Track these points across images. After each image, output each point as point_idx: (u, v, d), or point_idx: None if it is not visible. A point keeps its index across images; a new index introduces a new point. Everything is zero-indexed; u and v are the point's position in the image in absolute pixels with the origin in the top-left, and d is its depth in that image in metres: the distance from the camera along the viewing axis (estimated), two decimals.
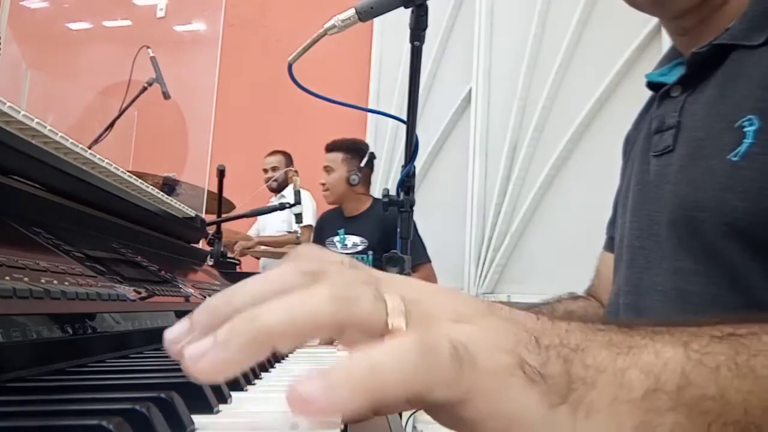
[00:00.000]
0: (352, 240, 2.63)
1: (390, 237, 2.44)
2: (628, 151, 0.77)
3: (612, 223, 0.82)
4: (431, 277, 2.53)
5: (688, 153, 0.59)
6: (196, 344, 0.26)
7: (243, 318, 0.27)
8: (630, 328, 0.30)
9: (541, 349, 0.27)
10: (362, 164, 2.58)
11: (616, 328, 0.29)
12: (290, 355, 0.68)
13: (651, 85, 0.73)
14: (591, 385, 0.27)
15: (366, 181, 2.66)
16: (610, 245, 0.82)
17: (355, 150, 2.63)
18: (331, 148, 2.63)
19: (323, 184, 2.62)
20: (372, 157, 2.68)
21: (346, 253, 2.60)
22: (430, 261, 2.53)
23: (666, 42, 2.58)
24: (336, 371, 0.25)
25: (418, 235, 2.38)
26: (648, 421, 0.27)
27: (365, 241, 2.59)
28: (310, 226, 2.99)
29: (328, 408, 0.25)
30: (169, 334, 0.29)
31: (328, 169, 2.60)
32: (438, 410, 0.28)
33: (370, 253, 2.57)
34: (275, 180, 3.31)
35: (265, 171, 3.43)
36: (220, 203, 1.80)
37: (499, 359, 0.27)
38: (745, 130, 0.53)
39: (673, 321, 0.31)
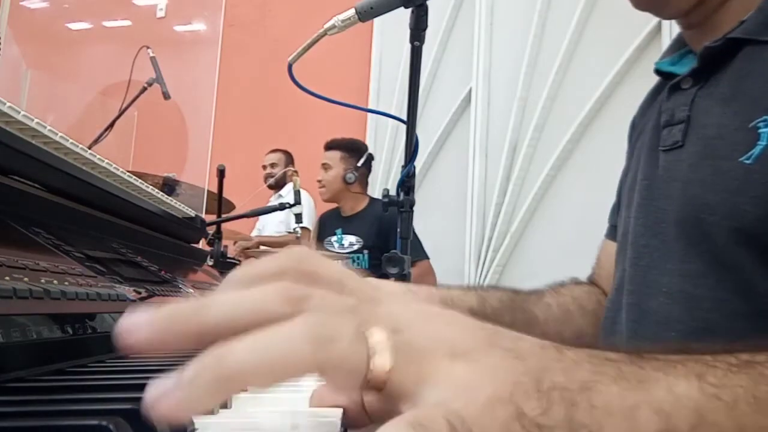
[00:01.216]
0: (349, 240, 2.64)
1: (386, 236, 2.44)
2: (633, 139, 0.75)
3: (615, 211, 0.80)
4: (429, 274, 2.54)
5: (698, 151, 0.58)
6: (161, 383, 0.24)
7: (211, 356, 0.24)
8: (641, 358, 0.27)
9: (542, 394, 0.25)
10: (359, 164, 2.60)
11: (626, 358, 0.27)
12: None
13: (659, 73, 0.71)
14: (598, 430, 0.25)
15: (363, 181, 2.67)
16: (612, 233, 0.80)
17: (353, 149, 2.64)
18: (329, 146, 2.65)
19: (319, 181, 2.65)
20: (370, 158, 2.69)
21: (343, 253, 2.61)
22: (428, 258, 2.54)
23: (666, 43, 2.58)
24: None
25: (415, 233, 2.39)
26: None
27: (360, 240, 2.60)
28: (308, 229, 2.99)
29: None
30: (124, 324, 0.26)
31: (325, 167, 2.62)
32: None
33: (366, 252, 2.58)
34: (273, 177, 3.31)
35: (264, 168, 3.43)
36: (220, 203, 1.80)
37: (495, 416, 0.25)
38: (759, 131, 0.51)
39: (686, 347, 0.28)
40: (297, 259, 0.29)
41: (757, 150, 0.51)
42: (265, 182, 3.35)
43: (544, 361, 0.26)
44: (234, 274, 0.29)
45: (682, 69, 0.65)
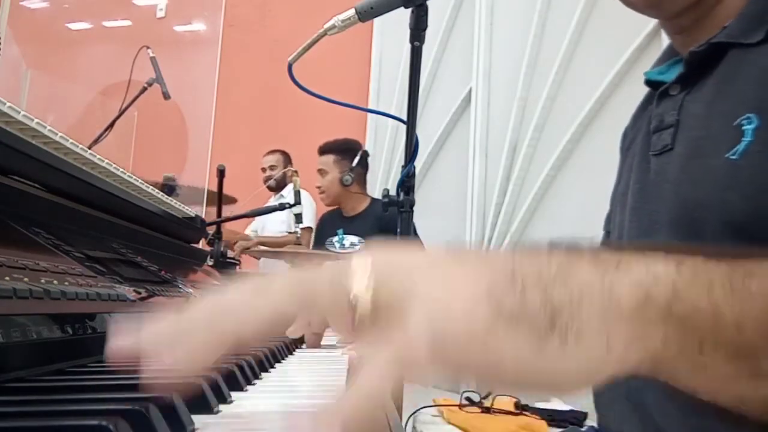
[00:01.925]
0: (350, 240, 2.64)
1: (388, 236, 2.44)
2: (625, 148, 0.77)
3: (609, 219, 0.82)
4: None
5: (687, 152, 0.59)
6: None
7: (208, 309, 0.28)
8: (619, 249, 0.29)
9: (517, 284, 0.27)
10: (354, 164, 2.59)
11: (603, 249, 0.29)
12: (289, 356, 0.68)
13: (649, 83, 0.73)
14: (577, 306, 0.26)
15: (361, 181, 2.66)
16: (606, 241, 0.81)
17: (345, 151, 2.63)
18: (322, 150, 2.65)
19: (318, 187, 2.65)
20: (364, 155, 2.68)
21: (345, 253, 2.61)
22: None
23: (666, 42, 2.58)
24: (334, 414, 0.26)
25: (416, 232, 2.38)
26: (638, 335, 0.26)
27: (362, 240, 2.59)
28: (310, 228, 2.99)
29: None
30: (113, 349, 0.29)
31: (321, 172, 2.63)
32: None
33: None
34: (273, 179, 3.31)
35: (264, 170, 3.43)
36: (219, 203, 1.80)
37: (476, 316, 0.26)
38: (744, 128, 0.53)
39: (667, 246, 0.30)
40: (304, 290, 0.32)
41: (742, 146, 0.52)
42: (265, 184, 3.35)
43: (514, 259, 0.28)
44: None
45: (671, 76, 0.66)
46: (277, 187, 3.33)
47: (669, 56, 0.72)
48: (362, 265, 0.28)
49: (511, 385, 0.27)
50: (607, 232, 0.81)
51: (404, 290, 0.27)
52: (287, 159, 3.45)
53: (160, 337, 0.28)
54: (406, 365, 0.25)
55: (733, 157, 0.53)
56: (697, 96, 0.61)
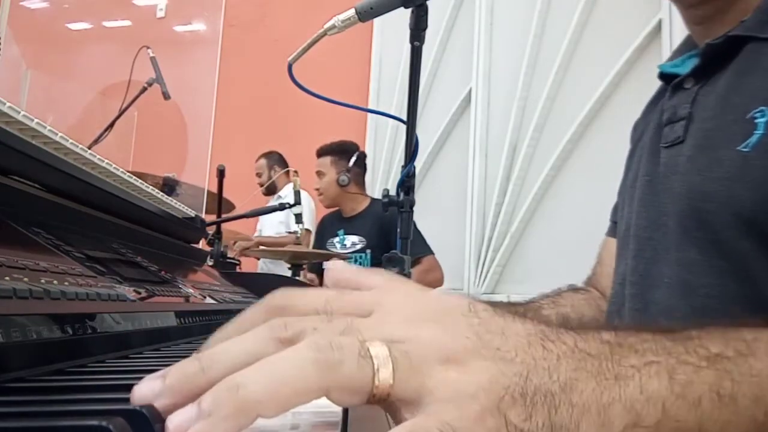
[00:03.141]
0: (351, 240, 2.64)
1: (389, 236, 2.44)
2: (635, 139, 0.76)
3: (616, 209, 0.80)
4: (434, 268, 2.53)
5: (697, 144, 0.59)
6: (180, 414, 0.26)
7: (226, 387, 0.26)
8: (621, 350, 0.30)
9: (527, 400, 0.28)
10: (351, 164, 2.61)
11: (608, 352, 0.30)
12: None
13: (663, 76, 0.72)
14: (575, 429, 0.28)
15: (359, 181, 2.68)
16: (613, 230, 0.81)
17: (342, 152, 2.65)
18: (320, 153, 2.68)
19: (317, 189, 2.67)
20: (361, 156, 2.70)
21: (345, 253, 2.61)
22: (432, 252, 2.53)
23: (666, 43, 2.58)
24: None
25: (417, 229, 2.38)
26: None
27: (363, 240, 2.60)
28: (309, 231, 2.99)
29: None
30: (138, 392, 0.28)
31: (319, 174, 2.65)
32: None
33: (369, 251, 2.58)
34: (264, 186, 3.31)
35: (257, 175, 3.45)
36: (219, 203, 1.80)
37: (485, 425, 0.27)
38: (756, 121, 0.52)
39: (664, 330, 0.31)
40: (276, 301, 0.32)
41: (754, 138, 0.52)
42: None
43: (528, 360, 0.29)
44: (221, 330, 0.32)
45: (685, 69, 0.65)
46: (269, 192, 3.33)
47: (685, 49, 0.71)
48: (382, 352, 0.28)
49: None
50: (614, 223, 0.80)
51: (422, 382, 0.28)
52: (274, 160, 3.44)
53: (175, 392, 0.28)
54: None
55: (745, 149, 0.52)
56: (712, 89, 0.60)
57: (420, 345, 0.29)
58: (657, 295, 0.61)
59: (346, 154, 2.64)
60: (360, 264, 2.60)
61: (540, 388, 0.28)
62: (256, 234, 3.40)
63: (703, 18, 0.65)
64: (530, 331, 0.30)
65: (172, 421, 0.26)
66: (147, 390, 0.28)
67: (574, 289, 0.83)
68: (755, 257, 0.52)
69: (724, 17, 0.62)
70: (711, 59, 0.61)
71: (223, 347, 0.29)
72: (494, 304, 0.32)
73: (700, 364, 0.29)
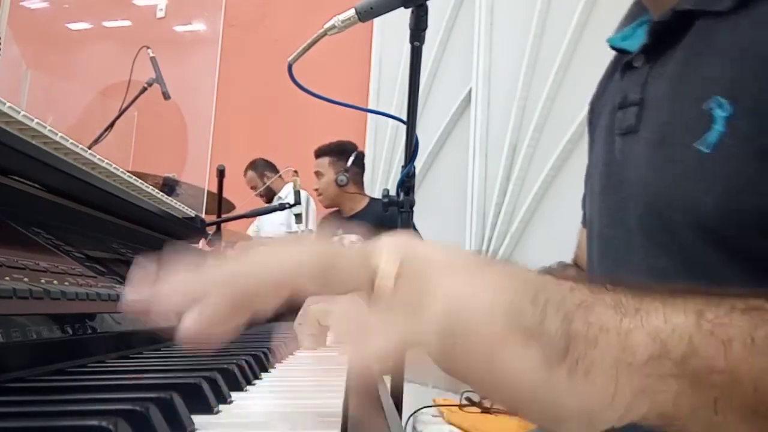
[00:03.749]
0: (349, 239, 2.65)
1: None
2: (593, 121, 0.72)
3: (584, 199, 0.77)
4: None
5: (652, 137, 0.54)
6: (188, 315, 0.27)
7: (224, 274, 0.27)
8: (641, 291, 0.28)
9: (538, 306, 0.26)
10: (349, 164, 2.63)
11: (626, 290, 0.28)
12: (290, 357, 0.68)
13: (614, 50, 0.67)
14: (592, 343, 0.26)
15: (357, 181, 2.69)
16: (584, 220, 0.78)
17: (339, 152, 2.67)
18: (318, 154, 2.70)
19: (316, 190, 2.68)
20: (359, 156, 2.72)
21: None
22: None
23: None
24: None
25: (416, 229, 2.39)
26: (649, 386, 0.25)
27: (362, 239, 2.61)
28: (312, 231, 3.00)
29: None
30: (129, 295, 0.28)
31: (318, 174, 2.67)
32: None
33: None
34: (261, 195, 3.32)
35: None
36: (219, 203, 1.80)
37: (493, 321, 0.26)
38: (713, 114, 0.47)
39: (696, 289, 0.28)
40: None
41: (713, 136, 0.47)
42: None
43: (539, 282, 0.27)
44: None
45: (635, 44, 0.60)
46: (268, 199, 3.34)
47: (634, 15, 0.65)
48: (391, 243, 0.27)
49: (505, 402, 0.26)
50: (585, 212, 0.77)
51: (429, 276, 0.27)
52: (262, 167, 3.45)
53: (176, 295, 0.28)
54: (412, 346, 0.25)
55: (704, 148, 0.48)
56: (662, 71, 0.55)
57: (428, 252, 0.28)
58: None
59: (344, 155, 2.66)
60: None
61: (551, 300, 0.26)
62: (249, 231, 3.40)
63: None
64: (540, 272, 0.29)
65: (184, 320, 0.27)
66: (137, 294, 0.29)
67: (563, 266, 0.82)
68: (721, 267, 0.48)
69: None
70: (659, 37, 0.56)
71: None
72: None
73: (733, 309, 0.27)
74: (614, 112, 0.61)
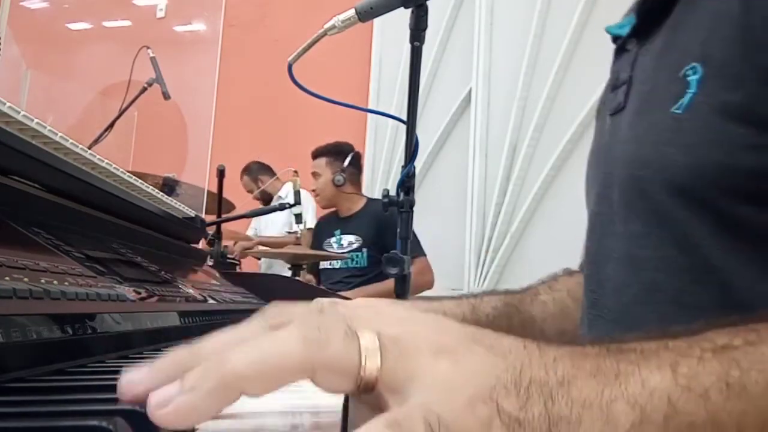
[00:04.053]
0: (348, 239, 2.66)
1: (385, 235, 2.45)
2: (598, 119, 0.73)
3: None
4: (426, 270, 2.54)
5: (635, 108, 0.55)
6: (163, 389, 0.25)
7: (211, 362, 0.26)
8: (619, 351, 0.28)
9: (521, 390, 0.26)
10: (345, 164, 2.63)
11: (605, 352, 0.28)
12: None
13: (613, 39, 0.68)
14: (576, 423, 0.26)
15: (354, 181, 2.70)
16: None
17: (336, 152, 2.68)
18: (315, 155, 2.71)
19: (313, 190, 2.68)
20: (356, 156, 2.73)
21: (342, 253, 2.62)
22: (425, 254, 2.54)
23: None
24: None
25: (412, 230, 2.39)
26: None
27: (360, 239, 2.62)
28: (311, 229, 3.00)
29: None
30: (127, 377, 0.27)
31: (315, 175, 2.67)
32: None
33: (365, 250, 2.59)
34: (258, 198, 3.32)
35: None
36: (219, 203, 1.80)
37: (475, 414, 0.26)
38: (688, 78, 0.49)
39: (668, 333, 0.29)
40: (273, 309, 0.31)
41: (686, 99, 0.48)
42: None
43: (523, 357, 0.27)
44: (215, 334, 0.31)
45: (628, 29, 0.62)
46: (265, 201, 3.34)
47: (631, 9, 0.67)
48: (371, 338, 0.27)
49: None
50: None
51: (411, 370, 0.27)
52: (256, 171, 3.45)
53: (165, 374, 0.27)
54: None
55: (678, 111, 0.49)
56: (649, 48, 0.57)
57: (411, 335, 0.28)
58: (608, 270, 0.58)
59: (341, 155, 2.67)
60: (356, 263, 2.61)
61: (535, 380, 0.27)
62: (248, 231, 3.41)
63: None
64: (526, 340, 0.29)
65: (155, 395, 0.25)
66: (137, 376, 0.27)
67: (569, 273, 0.82)
68: (695, 225, 0.49)
69: None
70: (646, 17, 0.58)
71: (216, 334, 0.29)
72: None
73: (703, 356, 0.28)
74: (607, 95, 0.62)
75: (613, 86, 0.61)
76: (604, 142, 0.61)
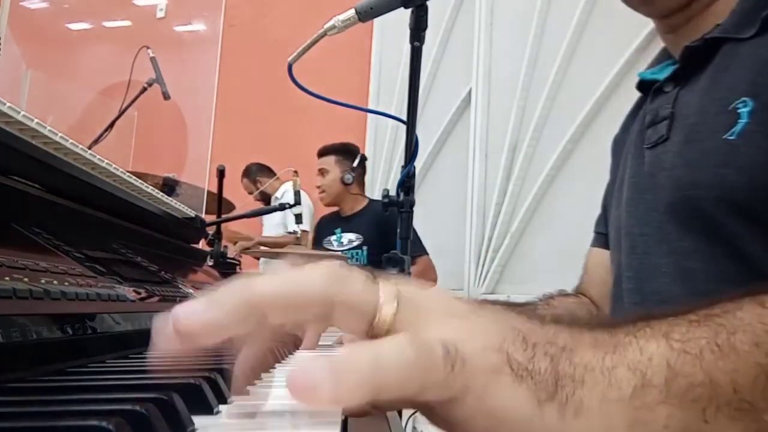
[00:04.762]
0: (348, 237, 2.66)
1: (386, 234, 2.45)
2: (617, 153, 0.79)
3: (601, 221, 0.84)
4: (429, 269, 2.55)
5: (682, 138, 0.61)
6: (190, 303, 0.27)
7: (239, 283, 0.28)
8: (614, 327, 0.30)
9: (528, 346, 0.28)
10: (354, 165, 2.64)
11: (601, 329, 0.30)
12: (291, 356, 0.68)
13: (642, 85, 0.74)
14: (579, 382, 0.27)
15: (360, 182, 2.71)
16: (597, 241, 0.84)
17: (346, 152, 2.69)
18: (323, 152, 2.70)
19: (319, 187, 2.68)
20: (363, 159, 2.73)
21: (342, 250, 2.62)
22: (427, 253, 2.55)
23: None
24: (341, 362, 0.25)
25: (414, 229, 2.39)
26: (640, 417, 0.27)
27: (360, 237, 2.62)
28: (307, 232, 3.00)
29: (331, 399, 0.25)
30: (181, 311, 0.28)
31: (322, 172, 2.66)
32: (429, 410, 0.28)
33: (365, 248, 2.59)
34: (257, 198, 3.32)
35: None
36: (219, 203, 1.80)
37: (487, 358, 0.27)
38: (739, 111, 0.55)
39: (652, 314, 0.31)
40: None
41: (739, 127, 0.55)
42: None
43: (525, 327, 0.29)
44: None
45: (665, 74, 0.68)
46: (265, 201, 3.34)
47: (662, 59, 0.74)
48: (388, 285, 0.29)
49: None
50: (599, 233, 0.83)
51: (424, 319, 0.29)
52: (254, 172, 3.46)
53: (194, 322, 0.28)
54: (423, 362, 0.26)
55: (731, 137, 0.55)
56: (692, 88, 0.63)
57: (425, 297, 0.30)
58: (654, 285, 0.62)
59: (350, 155, 2.68)
60: (356, 261, 2.61)
61: (539, 344, 0.28)
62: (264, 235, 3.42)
63: (673, 27, 0.68)
64: (527, 316, 0.31)
65: (182, 307, 0.27)
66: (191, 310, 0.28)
67: (564, 294, 0.85)
68: (748, 239, 0.54)
69: (695, 25, 0.65)
70: (689, 61, 0.64)
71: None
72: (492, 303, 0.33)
73: (691, 324, 0.29)
74: (643, 132, 0.68)
75: (651, 122, 0.67)
76: (643, 173, 0.66)
